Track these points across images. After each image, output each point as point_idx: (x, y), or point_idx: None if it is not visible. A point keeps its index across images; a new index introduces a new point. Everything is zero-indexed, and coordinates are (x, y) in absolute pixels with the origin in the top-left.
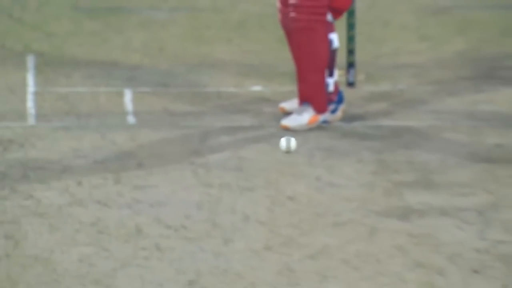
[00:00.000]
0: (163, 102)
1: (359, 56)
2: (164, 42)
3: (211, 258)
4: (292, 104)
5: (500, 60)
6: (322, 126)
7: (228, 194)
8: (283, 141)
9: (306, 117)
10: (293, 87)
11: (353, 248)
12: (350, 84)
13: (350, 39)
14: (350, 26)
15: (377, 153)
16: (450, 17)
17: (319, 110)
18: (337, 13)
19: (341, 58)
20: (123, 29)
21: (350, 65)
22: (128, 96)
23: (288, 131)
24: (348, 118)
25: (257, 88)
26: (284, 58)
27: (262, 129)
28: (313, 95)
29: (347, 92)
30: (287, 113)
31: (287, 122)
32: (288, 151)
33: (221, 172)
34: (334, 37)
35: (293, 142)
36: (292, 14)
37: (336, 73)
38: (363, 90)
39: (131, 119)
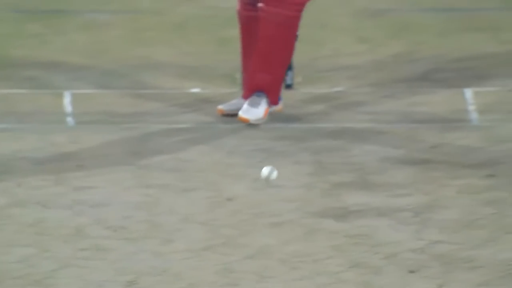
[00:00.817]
0: (103, 104)
1: (297, 59)
2: (105, 44)
3: (151, 258)
4: (230, 105)
5: (436, 62)
6: (260, 127)
7: (168, 195)
8: (266, 171)
9: (262, 109)
10: (232, 89)
11: (291, 248)
12: (288, 86)
13: None
14: None
15: (315, 154)
16: (387, 20)
17: (273, 102)
18: None
19: None
20: (64, 31)
21: (288, 67)
22: (68, 98)
23: (248, 124)
24: (286, 119)
25: (196, 89)
26: (223, 60)
27: (202, 130)
28: (272, 87)
29: (285, 94)
30: (226, 115)
31: (246, 115)
32: (266, 179)
33: (161, 173)
34: None
35: (274, 175)
36: (275, 9)
37: None
38: (301, 92)
39: (71, 121)
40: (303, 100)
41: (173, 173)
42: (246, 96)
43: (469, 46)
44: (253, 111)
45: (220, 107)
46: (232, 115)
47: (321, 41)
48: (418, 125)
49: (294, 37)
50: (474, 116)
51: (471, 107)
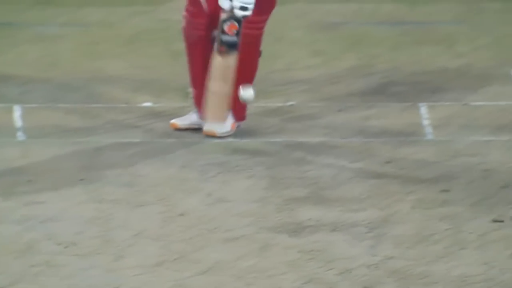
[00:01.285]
0: (54, 118)
1: None
2: (56, 57)
3: (103, 274)
4: (184, 120)
5: (391, 76)
6: (214, 142)
7: (120, 210)
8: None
9: (228, 123)
10: (184, 103)
11: (245, 264)
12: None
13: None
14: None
15: (269, 169)
16: (341, 33)
17: (240, 118)
18: None
19: None
20: (15, 43)
21: None
22: (18, 112)
23: (213, 137)
24: (240, 133)
25: (148, 103)
26: (176, 74)
27: (154, 144)
28: (238, 104)
29: None
30: (179, 129)
31: (213, 128)
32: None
33: (113, 188)
34: None
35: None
36: (247, 30)
37: None
38: (255, 106)
39: (21, 135)
40: (257, 113)
41: (125, 188)
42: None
43: (424, 59)
44: (221, 124)
45: (174, 121)
46: (186, 129)
47: (276, 55)
48: (373, 140)
49: (258, 54)
50: (429, 130)
51: (426, 122)
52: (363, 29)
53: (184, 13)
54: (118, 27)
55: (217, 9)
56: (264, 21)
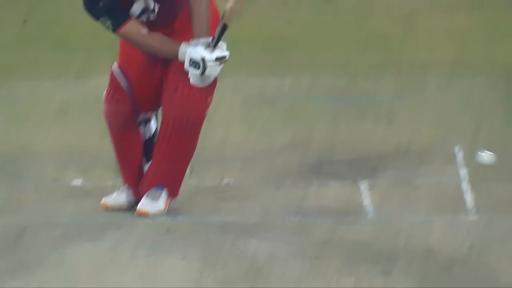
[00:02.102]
0: None
1: None
2: None
3: None
4: (115, 200)
5: (329, 153)
6: (146, 221)
7: None
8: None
9: (162, 202)
10: (114, 181)
11: None
12: None
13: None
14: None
15: (203, 249)
16: (278, 108)
17: (174, 194)
18: None
19: None
20: None
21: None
22: None
23: (146, 217)
24: (174, 213)
25: (77, 181)
26: (106, 149)
27: (83, 224)
28: (175, 181)
29: None
30: (109, 209)
31: (146, 208)
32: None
33: (41, 268)
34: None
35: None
36: (183, 113)
37: None
38: (188, 184)
39: None
40: (191, 192)
41: (54, 268)
42: (145, 189)
43: (363, 136)
44: (153, 204)
45: (104, 200)
46: (117, 209)
47: (210, 130)
48: (311, 219)
49: (199, 133)
50: (369, 209)
51: (366, 200)
52: (300, 104)
53: (105, 98)
54: (46, 101)
55: (143, 90)
56: (210, 102)
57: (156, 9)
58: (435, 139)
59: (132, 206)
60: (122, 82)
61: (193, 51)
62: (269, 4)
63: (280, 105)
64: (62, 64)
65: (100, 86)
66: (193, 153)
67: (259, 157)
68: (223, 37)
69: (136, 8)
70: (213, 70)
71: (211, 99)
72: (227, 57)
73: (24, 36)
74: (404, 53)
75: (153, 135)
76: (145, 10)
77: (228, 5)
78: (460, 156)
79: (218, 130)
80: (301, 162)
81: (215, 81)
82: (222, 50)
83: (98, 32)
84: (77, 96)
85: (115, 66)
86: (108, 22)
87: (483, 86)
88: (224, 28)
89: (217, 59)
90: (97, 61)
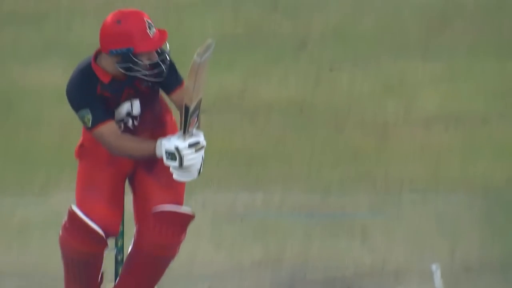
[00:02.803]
0: None
1: None
2: None
3: None
4: None
5: (301, 271)
6: None
7: None
8: None
9: None
10: None
11: None
12: None
13: (120, 249)
14: (120, 234)
15: None
16: (247, 224)
17: None
18: None
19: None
20: None
21: None
22: None
23: None
24: None
25: None
26: None
27: None
28: None
29: None
30: None
31: None
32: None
33: None
34: None
35: None
36: (157, 252)
37: None
38: None
39: None
40: None
41: None
42: None
43: (337, 253)
44: None
45: None
46: None
47: None
48: None
49: (169, 265)
50: None
51: None
52: (271, 220)
53: (64, 229)
54: (5, 219)
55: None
56: (182, 241)
57: (139, 115)
58: (411, 257)
59: None
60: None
61: (167, 142)
62: (239, 117)
63: (250, 221)
64: (24, 179)
65: (63, 203)
66: (160, 278)
67: (228, 275)
68: (199, 125)
69: (121, 110)
70: (190, 159)
71: (185, 236)
72: (201, 143)
73: None
74: (379, 167)
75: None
76: (129, 114)
77: (184, 87)
78: (437, 274)
79: (185, 247)
80: (273, 280)
81: (186, 222)
82: (196, 136)
83: (61, 147)
84: (39, 214)
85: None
86: (88, 117)
87: (460, 203)
88: (187, 110)
89: (190, 145)
90: (60, 177)
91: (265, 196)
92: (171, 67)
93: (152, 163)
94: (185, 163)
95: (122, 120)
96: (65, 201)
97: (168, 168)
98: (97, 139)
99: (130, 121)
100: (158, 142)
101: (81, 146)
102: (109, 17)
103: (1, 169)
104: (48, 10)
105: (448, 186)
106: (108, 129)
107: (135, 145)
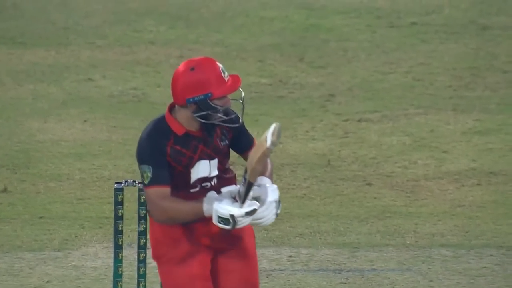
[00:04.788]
0: None
1: None
2: None
3: None
4: None
5: None
6: None
7: None
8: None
9: None
10: None
11: None
12: None
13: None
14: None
15: None
16: (275, 281)
17: None
18: None
19: None
20: None
21: None
22: None
23: None
24: None
25: None
26: None
27: None
28: None
29: None
30: None
31: None
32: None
33: None
34: None
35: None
36: None
37: None
38: None
39: None
40: None
41: None
42: None
43: None
44: None
45: None
46: None
47: None
48: None
49: None
50: None
51: None
52: (298, 276)
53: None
54: (25, 275)
55: None
56: None
57: (216, 179)
58: None
59: None
60: None
61: (220, 207)
62: None
63: (277, 277)
64: (43, 235)
65: (84, 258)
66: None
67: None
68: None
69: (198, 169)
70: (244, 223)
71: None
72: (257, 208)
73: None
74: (408, 222)
75: None
76: (206, 176)
77: (250, 165)
78: None
79: None
80: None
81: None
82: (250, 204)
83: (81, 201)
84: (59, 269)
85: None
86: (148, 174)
87: (492, 260)
88: (250, 185)
89: (247, 213)
90: (80, 233)
91: (292, 251)
92: (242, 126)
93: (233, 253)
94: (238, 227)
95: (200, 180)
96: (87, 255)
97: (253, 265)
98: (146, 197)
99: (209, 184)
100: (206, 203)
101: (157, 244)
102: (180, 67)
103: (21, 225)
104: (68, 62)
105: (479, 242)
106: (162, 193)
107: (180, 206)
